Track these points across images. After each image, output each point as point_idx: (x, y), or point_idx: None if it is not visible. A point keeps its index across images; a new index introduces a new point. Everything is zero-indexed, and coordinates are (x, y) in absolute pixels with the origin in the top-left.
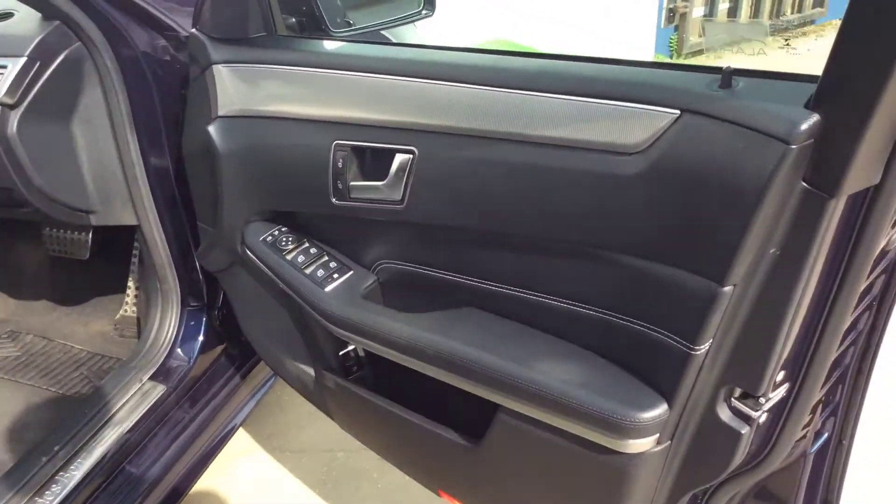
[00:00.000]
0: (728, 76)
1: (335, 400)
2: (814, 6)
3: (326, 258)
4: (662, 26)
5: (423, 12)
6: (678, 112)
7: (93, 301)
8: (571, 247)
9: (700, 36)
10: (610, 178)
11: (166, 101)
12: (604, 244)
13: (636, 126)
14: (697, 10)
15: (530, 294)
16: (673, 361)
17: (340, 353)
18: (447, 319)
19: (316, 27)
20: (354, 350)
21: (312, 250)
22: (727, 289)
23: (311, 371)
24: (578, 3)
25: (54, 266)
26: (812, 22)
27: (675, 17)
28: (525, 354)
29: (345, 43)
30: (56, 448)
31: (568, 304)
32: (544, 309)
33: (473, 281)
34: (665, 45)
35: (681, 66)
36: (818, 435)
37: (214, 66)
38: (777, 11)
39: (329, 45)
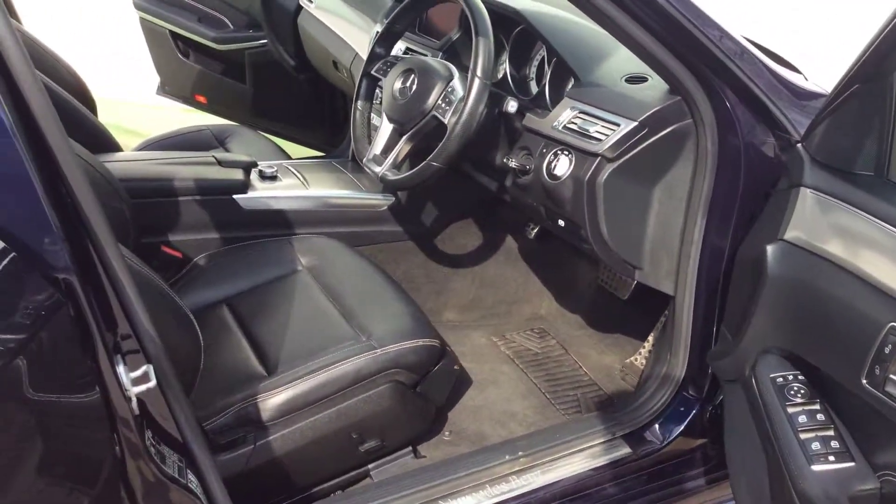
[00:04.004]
0: None
1: None
2: None
3: (831, 433)
4: None
5: None
6: None
7: (614, 336)
8: None
9: None
10: None
11: (747, 196)
12: None
13: None
14: None
15: None
16: None
17: None
18: None
19: None
20: None
21: (819, 416)
22: None
23: None
24: None
25: (599, 292)
26: None
27: None
28: None
29: None
30: (519, 454)
31: None
32: None
33: None
34: None
35: None
36: None
37: (802, 188)
38: None
39: None
